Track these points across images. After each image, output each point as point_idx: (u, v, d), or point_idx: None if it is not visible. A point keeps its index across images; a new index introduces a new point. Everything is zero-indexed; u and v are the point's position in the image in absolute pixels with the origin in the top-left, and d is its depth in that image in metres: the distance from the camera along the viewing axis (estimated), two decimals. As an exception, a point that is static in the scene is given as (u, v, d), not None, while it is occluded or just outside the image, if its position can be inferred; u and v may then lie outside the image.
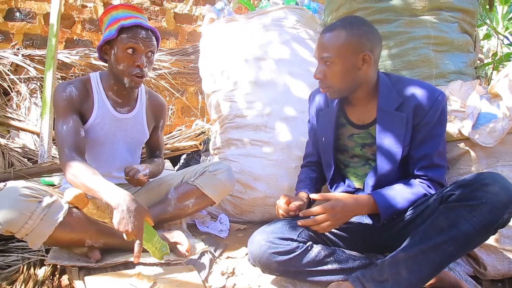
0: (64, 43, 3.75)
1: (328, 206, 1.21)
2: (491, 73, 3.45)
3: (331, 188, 1.52)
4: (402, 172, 1.35)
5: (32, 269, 1.37)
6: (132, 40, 1.44)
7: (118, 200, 1.24)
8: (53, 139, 2.57)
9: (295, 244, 1.25)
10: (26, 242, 1.28)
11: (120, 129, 1.60)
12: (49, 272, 1.35)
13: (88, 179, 1.30)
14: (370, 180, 1.37)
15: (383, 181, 1.33)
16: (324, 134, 1.47)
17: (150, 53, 1.50)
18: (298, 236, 1.28)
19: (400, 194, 1.26)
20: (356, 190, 1.44)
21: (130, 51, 1.45)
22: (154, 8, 3.96)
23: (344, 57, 1.27)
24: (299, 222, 1.25)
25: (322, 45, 1.30)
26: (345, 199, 1.24)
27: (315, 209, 1.22)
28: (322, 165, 1.54)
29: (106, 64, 1.57)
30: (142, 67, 1.48)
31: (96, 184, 1.29)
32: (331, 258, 1.27)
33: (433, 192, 1.28)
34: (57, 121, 1.46)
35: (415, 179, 1.31)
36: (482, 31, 3.97)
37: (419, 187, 1.28)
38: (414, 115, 1.29)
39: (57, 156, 2.70)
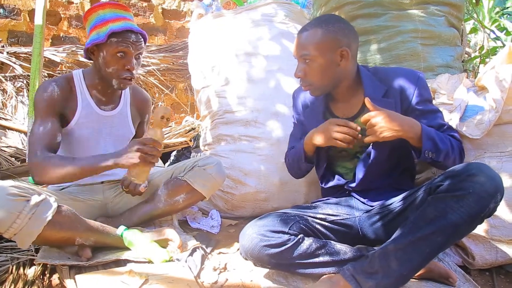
0: (50, 40, 3.69)
1: (384, 109, 1.22)
2: (478, 66, 3.49)
3: (321, 183, 1.53)
4: (394, 162, 1.37)
5: (21, 269, 1.35)
6: (122, 45, 1.44)
7: (117, 155, 1.35)
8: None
9: (286, 236, 1.26)
10: (15, 242, 1.26)
11: (106, 127, 1.60)
12: (39, 271, 1.33)
13: (76, 162, 1.35)
14: (360, 172, 1.38)
15: (374, 171, 1.35)
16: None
17: (139, 55, 1.51)
18: (289, 229, 1.28)
19: (439, 135, 1.26)
20: (346, 183, 1.45)
21: (120, 54, 1.45)
22: (142, 4, 3.92)
23: (322, 54, 1.29)
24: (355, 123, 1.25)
25: (300, 44, 1.33)
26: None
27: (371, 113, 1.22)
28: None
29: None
30: (132, 70, 1.49)
31: (86, 161, 1.36)
32: (323, 251, 1.28)
33: (460, 145, 1.31)
34: (35, 122, 1.45)
35: None
36: (468, 25, 4.00)
37: (453, 140, 1.29)
38: (401, 99, 1.33)
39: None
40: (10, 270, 1.34)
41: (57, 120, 1.48)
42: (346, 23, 1.33)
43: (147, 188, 1.54)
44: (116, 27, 1.43)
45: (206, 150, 2.13)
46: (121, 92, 1.67)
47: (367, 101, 1.23)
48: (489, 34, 3.65)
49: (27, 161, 1.42)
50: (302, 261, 1.26)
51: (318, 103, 1.46)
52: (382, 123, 1.20)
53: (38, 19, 2.40)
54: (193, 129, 2.90)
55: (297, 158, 1.51)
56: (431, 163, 1.29)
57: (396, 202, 1.34)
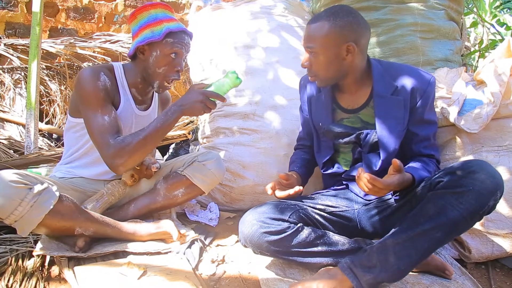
0: (48, 32, 3.66)
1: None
2: (477, 61, 3.48)
3: (322, 169, 1.53)
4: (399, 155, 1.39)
5: (20, 260, 1.35)
6: (177, 46, 1.46)
7: (182, 105, 1.35)
8: (36, 132, 2.53)
9: (286, 224, 1.27)
10: (14, 234, 1.26)
11: (138, 126, 1.56)
12: (38, 263, 1.34)
13: (148, 130, 1.36)
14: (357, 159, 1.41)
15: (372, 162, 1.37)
16: (321, 120, 1.47)
17: (186, 57, 1.54)
18: (289, 217, 1.29)
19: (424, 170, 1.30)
20: (344, 172, 1.46)
21: (173, 55, 1.46)
22: (140, -5, 3.89)
23: (327, 48, 1.29)
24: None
25: (307, 35, 1.33)
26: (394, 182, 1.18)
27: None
28: (314, 149, 1.56)
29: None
30: (180, 72, 1.51)
31: (155, 123, 1.36)
32: (321, 241, 1.29)
33: (435, 170, 1.33)
34: (94, 111, 1.39)
35: (421, 157, 1.36)
36: (469, 19, 3.98)
37: (432, 166, 1.34)
38: (411, 98, 1.33)
39: (44, 148, 2.66)
40: (9, 262, 1.34)
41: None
42: (356, 17, 1.31)
43: (157, 169, 1.55)
44: (172, 27, 1.45)
45: (205, 143, 2.13)
46: (153, 93, 1.68)
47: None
48: (489, 29, 3.63)
49: (101, 155, 1.39)
50: (301, 250, 1.27)
51: (325, 92, 1.46)
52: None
53: (36, 8, 2.38)
54: (191, 122, 2.89)
55: None
56: None
57: (394, 197, 1.34)
